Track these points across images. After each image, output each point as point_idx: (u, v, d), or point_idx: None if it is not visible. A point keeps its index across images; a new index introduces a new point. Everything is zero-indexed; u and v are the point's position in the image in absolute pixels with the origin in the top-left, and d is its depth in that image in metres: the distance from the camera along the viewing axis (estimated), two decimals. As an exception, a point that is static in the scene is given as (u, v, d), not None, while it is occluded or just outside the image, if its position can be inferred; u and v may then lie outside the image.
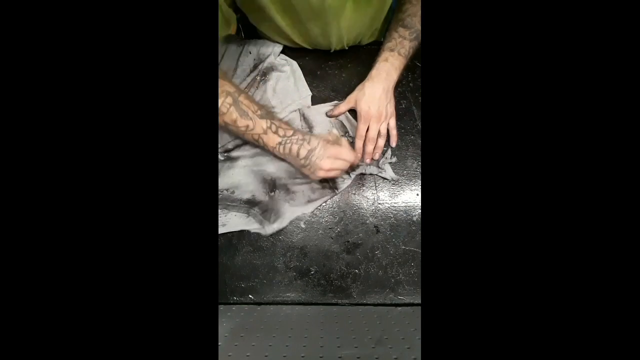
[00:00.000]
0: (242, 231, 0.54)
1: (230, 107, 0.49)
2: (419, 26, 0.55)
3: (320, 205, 0.55)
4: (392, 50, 0.55)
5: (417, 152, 0.58)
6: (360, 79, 0.58)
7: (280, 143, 0.50)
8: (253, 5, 0.50)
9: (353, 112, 0.59)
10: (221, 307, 0.52)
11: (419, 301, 0.52)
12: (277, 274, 0.53)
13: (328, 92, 0.61)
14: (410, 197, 0.56)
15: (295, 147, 0.50)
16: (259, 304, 0.53)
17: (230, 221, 0.55)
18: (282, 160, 0.55)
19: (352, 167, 0.54)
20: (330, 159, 0.50)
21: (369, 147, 0.56)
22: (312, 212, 0.55)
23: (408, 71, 0.60)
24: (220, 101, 0.49)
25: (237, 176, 0.57)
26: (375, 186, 0.57)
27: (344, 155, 0.51)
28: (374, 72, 0.56)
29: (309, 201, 0.55)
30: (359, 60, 0.62)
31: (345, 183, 0.56)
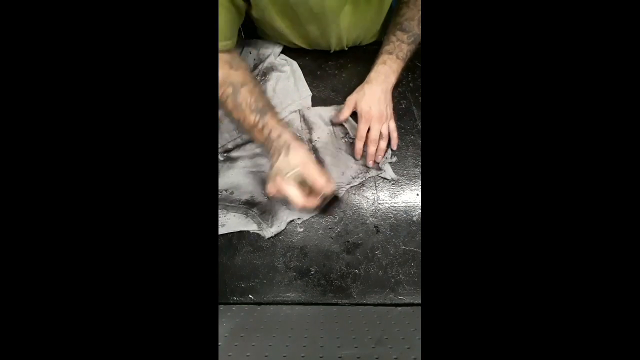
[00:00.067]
0: (242, 231, 0.54)
1: (227, 98, 0.49)
2: (416, 30, 0.55)
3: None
4: (390, 53, 0.56)
5: (417, 152, 0.58)
6: (360, 79, 0.58)
7: (263, 143, 0.49)
8: (256, 5, 0.50)
9: (353, 113, 0.59)
10: (221, 307, 0.52)
11: (419, 301, 0.52)
12: (277, 274, 0.53)
13: (328, 92, 0.61)
14: (410, 197, 0.56)
15: (271, 151, 0.48)
16: (259, 304, 0.53)
17: (229, 222, 0.55)
18: None
19: (322, 199, 0.48)
20: (276, 186, 0.46)
21: (371, 149, 0.56)
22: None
23: (408, 71, 0.61)
24: (221, 91, 0.48)
25: (236, 177, 0.57)
26: (375, 186, 0.57)
27: (293, 195, 0.45)
28: (372, 75, 0.56)
29: None
30: (358, 60, 0.62)
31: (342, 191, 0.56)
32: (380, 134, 0.56)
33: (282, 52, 0.63)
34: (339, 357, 0.41)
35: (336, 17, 0.50)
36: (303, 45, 0.60)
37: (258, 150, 0.57)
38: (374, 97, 0.55)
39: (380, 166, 0.57)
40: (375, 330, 0.46)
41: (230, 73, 0.49)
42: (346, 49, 0.61)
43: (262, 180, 0.56)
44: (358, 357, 0.41)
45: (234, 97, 0.48)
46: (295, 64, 0.62)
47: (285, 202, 0.55)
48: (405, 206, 0.56)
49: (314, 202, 0.46)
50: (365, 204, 0.56)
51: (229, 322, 0.48)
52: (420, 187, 0.56)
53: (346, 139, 0.59)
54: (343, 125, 0.59)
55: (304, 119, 0.60)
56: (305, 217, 0.55)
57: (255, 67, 0.62)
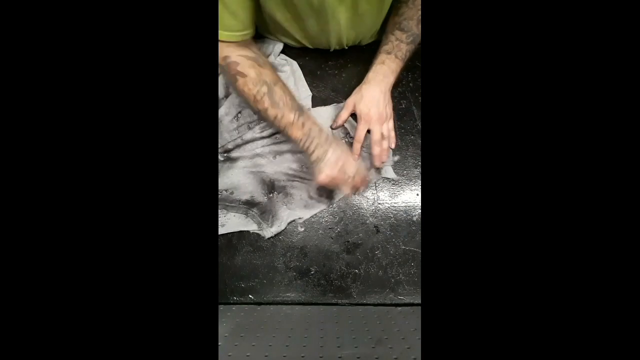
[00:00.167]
0: (242, 231, 0.54)
1: (263, 96, 0.50)
2: (415, 29, 0.55)
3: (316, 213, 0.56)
4: (389, 53, 0.56)
5: (417, 152, 0.58)
6: (360, 79, 0.58)
7: (301, 139, 0.51)
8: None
9: (352, 114, 0.59)
10: (221, 307, 0.52)
11: (419, 301, 0.52)
12: (277, 274, 0.53)
13: (328, 92, 0.61)
14: (410, 197, 0.56)
15: (312, 147, 0.51)
16: (259, 304, 0.53)
17: (229, 222, 0.55)
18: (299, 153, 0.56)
19: (356, 188, 0.54)
20: (329, 177, 0.50)
21: (376, 150, 0.56)
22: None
23: (408, 71, 0.60)
24: (255, 89, 0.50)
25: (236, 177, 0.57)
26: (375, 186, 0.57)
27: (344, 185, 0.51)
28: (370, 75, 0.56)
29: (306, 206, 0.56)
30: (358, 60, 0.62)
31: (340, 194, 0.56)
32: (382, 135, 0.56)
33: (282, 52, 0.63)
34: (339, 357, 0.41)
35: (335, 12, 0.50)
36: (303, 42, 0.60)
37: (258, 151, 0.57)
38: (373, 99, 0.55)
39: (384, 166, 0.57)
40: (375, 330, 0.46)
41: (261, 71, 0.51)
42: (346, 47, 0.61)
43: (262, 180, 0.56)
44: (358, 357, 0.41)
45: (270, 96, 0.50)
46: (295, 64, 0.62)
47: (287, 201, 0.55)
48: (405, 206, 0.56)
49: (354, 188, 0.53)
50: (365, 204, 0.56)
51: (229, 322, 0.48)
52: (420, 187, 0.56)
53: (346, 139, 0.59)
54: (343, 125, 0.59)
55: (304, 119, 0.60)
56: (306, 216, 0.55)
57: (256, 66, 0.62)
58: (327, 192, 0.56)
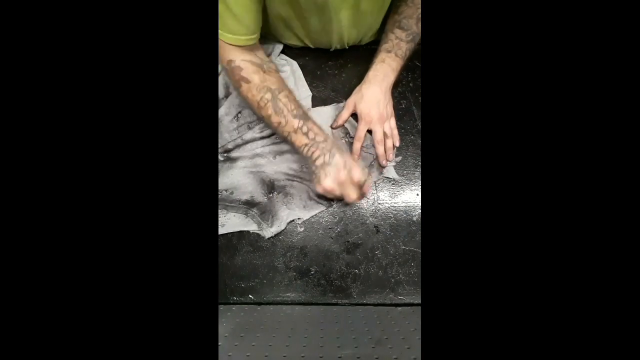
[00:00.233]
0: (242, 231, 0.54)
1: (267, 103, 0.50)
2: (415, 28, 0.55)
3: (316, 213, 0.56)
4: (389, 51, 0.56)
5: (417, 152, 0.58)
6: (360, 79, 0.58)
7: (306, 145, 0.51)
8: None
9: (353, 114, 0.59)
10: (221, 307, 0.52)
11: (419, 301, 0.52)
12: (277, 274, 0.53)
13: (328, 92, 0.61)
14: (410, 197, 0.56)
15: (317, 153, 0.50)
16: (259, 304, 0.53)
17: (228, 222, 0.55)
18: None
19: (363, 194, 0.53)
20: (335, 183, 0.49)
21: (380, 150, 0.56)
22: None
23: (408, 71, 0.60)
24: (259, 96, 0.50)
25: (236, 177, 0.57)
26: (375, 186, 0.57)
27: (349, 191, 0.50)
28: (371, 74, 0.56)
29: (305, 207, 0.56)
30: (358, 60, 0.62)
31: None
32: (385, 134, 0.56)
33: (282, 52, 0.63)
34: (339, 357, 0.41)
35: (338, 10, 0.50)
36: (305, 40, 0.60)
37: (258, 151, 0.57)
38: (374, 99, 0.55)
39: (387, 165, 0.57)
40: (375, 330, 0.46)
41: (265, 77, 0.50)
42: (347, 47, 0.61)
43: (262, 180, 0.56)
44: (358, 357, 0.41)
45: (274, 103, 0.50)
46: (295, 64, 0.62)
47: (287, 201, 0.55)
48: (405, 206, 0.56)
49: (362, 193, 0.52)
50: (365, 204, 0.56)
51: (229, 322, 0.48)
52: (420, 187, 0.56)
53: (346, 139, 0.59)
54: (343, 125, 0.59)
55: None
56: (305, 217, 0.55)
57: (256, 67, 0.62)
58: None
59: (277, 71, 0.54)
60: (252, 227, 0.54)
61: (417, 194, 0.56)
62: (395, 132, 0.58)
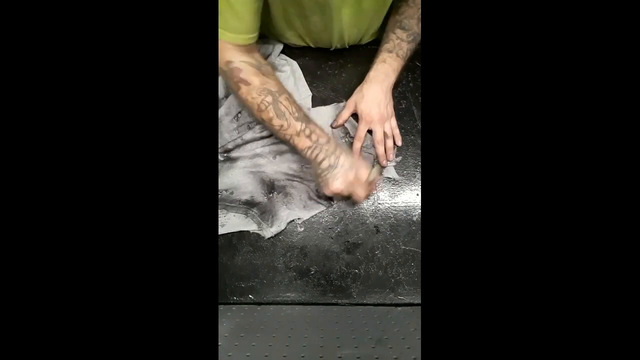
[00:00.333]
0: (242, 231, 0.54)
1: (268, 106, 0.50)
2: (416, 28, 0.55)
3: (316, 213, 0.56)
4: (390, 51, 0.56)
5: (417, 152, 0.58)
6: (360, 79, 0.58)
7: (310, 147, 0.50)
8: None
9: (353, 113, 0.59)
10: (221, 307, 0.52)
11: (419, 301, 0.52)
12: (277, 274, 0.53)
13: (328, 92, 0.61)
14: (410, 197, 0.56)
15: (321, 156, 0.50)
16: (259, 304, 0.53)
17: (228, 222, 0.55)
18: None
19: (369, 193, 0.53)
20: (344, 185, 0.49)
21: (380, 150, 0.56)
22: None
23: (408, 71, 0.60)
24: (260, 98, 0.49)
25: (236, 177, 0.57)
26: (375, 186, 0.57)
27: (359, 190, 0.50)
28: (371, 74, 0.56)
29: (305, 207, 0.56)
30: (358, 60, 0.62)
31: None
32: (385, 134, 0.56)
33: (282, 51, 0.63)
34: (339, 357, 0.41)
35: (339, 8, 0.50)
36: (306, 39, 0.59)
37: (258, 151, 0.57)
38: (374, 99, 0.55)
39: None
40: (375, 330, 0.46)
41: (264, 80, 0.50)
42: (347, 46, 0.61)
43: (262, 180, 0.56)
44: (358, 357, 0.41)
45: (275, 106, 0.50)
46: (295, 64, 0.62)
47: (287, 201, 0.55)
48: (405, 206, 0.56)
49: (369, 193, 0.52)
50: (365, 204, 0.56)
51: (229, 322, 0.48)
52: (420, 187, 0.56)
53: (346, 139, 0.59)
54: (343, 125, 0.59)
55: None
56: (305, 217, 0.55)
57: (255, 67, 0.62)
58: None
59: (275, 74, 0.54)
60: (252, 227, 0.54)
61: (417, 194, 0.56)
62: (397, 131, 0.58)
